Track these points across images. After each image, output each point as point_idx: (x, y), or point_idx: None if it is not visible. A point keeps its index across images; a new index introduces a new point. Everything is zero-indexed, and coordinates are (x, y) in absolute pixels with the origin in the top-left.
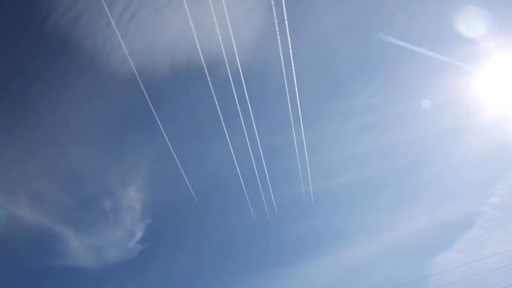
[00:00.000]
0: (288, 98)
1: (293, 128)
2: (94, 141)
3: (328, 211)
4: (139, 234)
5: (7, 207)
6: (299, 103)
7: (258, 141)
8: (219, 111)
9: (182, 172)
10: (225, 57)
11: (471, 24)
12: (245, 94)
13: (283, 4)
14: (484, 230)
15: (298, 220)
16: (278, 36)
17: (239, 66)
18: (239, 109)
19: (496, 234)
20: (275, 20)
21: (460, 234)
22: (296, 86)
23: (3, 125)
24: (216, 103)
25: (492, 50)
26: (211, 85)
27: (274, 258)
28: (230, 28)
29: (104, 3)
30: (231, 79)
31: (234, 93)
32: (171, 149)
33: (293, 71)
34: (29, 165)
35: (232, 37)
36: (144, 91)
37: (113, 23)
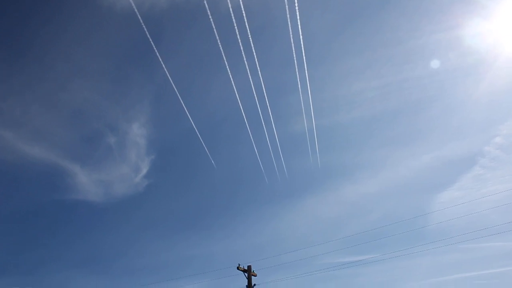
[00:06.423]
0: (291, 32)
1: (295, 63)
2: (95, 77)
3: (332, 148)
4: (144, 170)
5: (13, 143)
6: (302, 36)
7: (261, 76)
8: (220, 45)
9: (185, 108)
10: None
11: None
12: (246, 27)
13: None
14: (485, 170)
15: (302, 156)
16: None
17: None
18: (240, 43)
19: (497, 174)
20: None
21: (463, 172)
22: (299, 20)
23: (4, 60)
24: (217, 37)
25: None
26: (211, 19)
27: (278, 193)
28: None
29: None
30: (231, 12)
31: (235, 26)
32: (173, 85)
33: (296, 2)
34: (31, 101)
35: None
36: (144, 26)
37: None
